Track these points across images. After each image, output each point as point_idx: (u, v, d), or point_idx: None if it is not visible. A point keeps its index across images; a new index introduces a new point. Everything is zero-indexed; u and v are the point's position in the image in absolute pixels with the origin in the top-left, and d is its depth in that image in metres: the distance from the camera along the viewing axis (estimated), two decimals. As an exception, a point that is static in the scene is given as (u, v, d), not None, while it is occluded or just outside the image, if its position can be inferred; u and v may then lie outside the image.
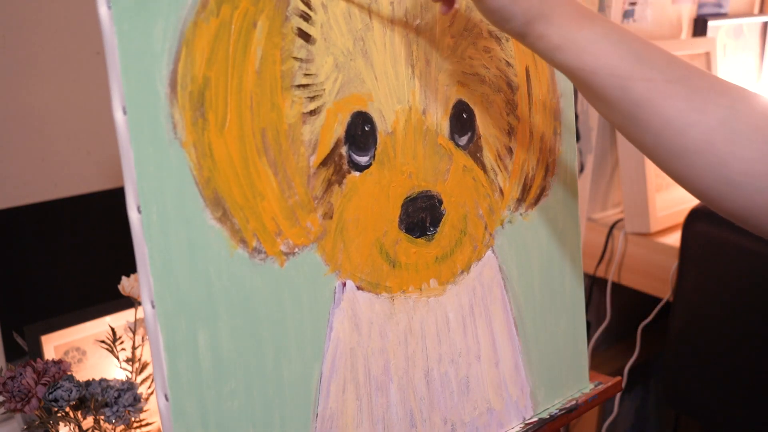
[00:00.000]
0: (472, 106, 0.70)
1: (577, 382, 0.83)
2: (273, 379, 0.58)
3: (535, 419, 0.77)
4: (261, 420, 0.57)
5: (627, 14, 1.46)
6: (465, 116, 0.70)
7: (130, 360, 0.85)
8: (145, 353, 0.85)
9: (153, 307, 0.51)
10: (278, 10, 0.56)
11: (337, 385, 0.62)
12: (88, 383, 0.77)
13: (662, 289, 1.42)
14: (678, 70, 0.56)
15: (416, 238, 0.67)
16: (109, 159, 1.09)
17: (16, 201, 1.01)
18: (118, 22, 0.49)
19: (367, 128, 0.63)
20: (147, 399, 0.80)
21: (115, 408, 0.76)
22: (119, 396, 0.77)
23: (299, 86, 0.58)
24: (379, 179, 0.64)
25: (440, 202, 0.68)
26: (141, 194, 0.50)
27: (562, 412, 0.79)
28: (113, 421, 0.76)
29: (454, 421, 0.71)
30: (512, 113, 0.74)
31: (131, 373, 0.84)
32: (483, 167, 0.72)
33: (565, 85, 0.79)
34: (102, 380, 0.78)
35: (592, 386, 0.84)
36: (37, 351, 0.89)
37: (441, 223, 0.68)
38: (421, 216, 0.67)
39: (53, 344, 0.91)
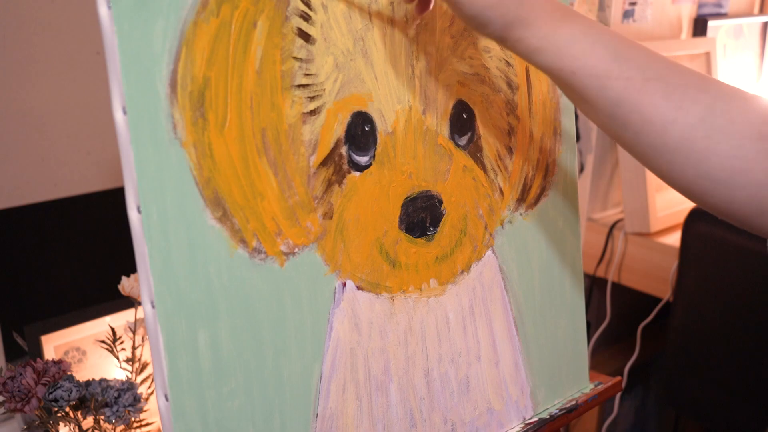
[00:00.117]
0: (472, 106, 0.70)
1: (577, 382, 0.83)
2: (273, 379, 0.58)
3: (535, 419, 0.77)
4: (261, 420, 0.57)
5: (627, 14, 1.46)
6: (465, 116, 0.70)
7: (130, 360, 0.85)
8: (145, 353, 0.85)
9: (153, 307, 0.51)
10: (278, 10, 0.56)
11: (337, 385, 0.62)
12: (88, 383, 0.77)
13: (662, 289, 1.43)
14: (657, 68, 0.56)
15: (416, 238, 0.67)
16: (109, 159, 1.09)
17: (16, 201, 1.01)
18: (118, 22, 0.49)
19: (367, 128, 0.63)
20: (147, 399, 0.80)
21: (115, 408, 0.76)
22: (119, 396, 0.77)
23: (299, 86, 0.58)
24: (379, 179, 0.64)
25: (440, 202, 0.68)
26: (141, 194, 0.50)
27: (562, 412, 0.79)
28: (113, 421, 0.76)
29: (454, 421, 0.71)
30: (512, 113, 0.74)
31: (131, 373, 0.84)
32: (483, 167, 0.72)
33: (565, 85, 0.79)
34: (102, 380, 0.78)
35: (592, 386, 0.84)
36: (37, 351, 0.89)
37: (441, 223, 0.68)
38: (421, 216, 0.67)
39: (53, 344, 0.91)
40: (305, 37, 0.58)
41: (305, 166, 0.59)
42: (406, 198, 0.66)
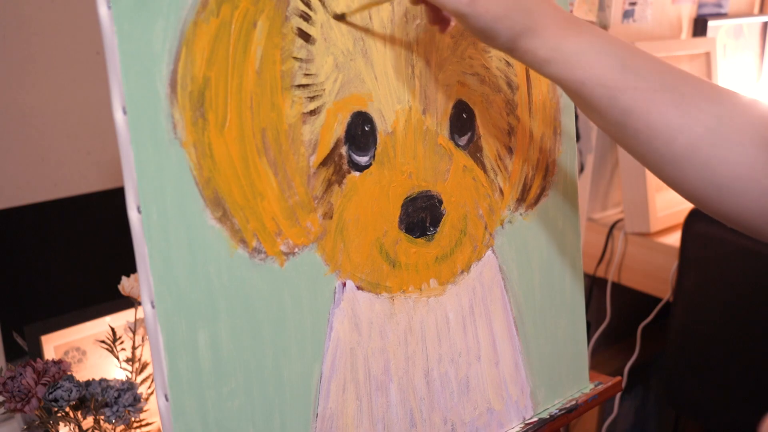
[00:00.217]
0: (472, 106, 0.70)
1: (577, 382, 0.83)
2: (273, 379, 0.58)
3: (535, 419, 0.77)
4: (261, 420, 0.57)
5: (627, 14, 1.46)
6: (465, 116, 0.70)
7: (130, 360, 0.85)
8: (145, 353, 0.85)
9: (153, 307, 0.51)
10: (278, 10, 0.56)
11: (337, 385, 0.62)
12: (88, 383, 0.77)
13: (662, 289, 1.42)
14: (666, 78, 0.56)
15: (416, 238, 0.67)
16: (109, 159, 1.09)
17: (16, 201, 1.01)
18: (118, 22, 0.49)
19: (367, 128, 0.63)
20: (147, 399, 0.80)
21: (115, 408, 0.76)
22: (119, 396, 0.77)
23: (299, 86, 0.58)
24: (379, 179, 0.64)
25: (440, 202, 0.68)
26: (141, 194, 0.50)
27: (562, 412, 0.79)
28: (113, 421, 0.76)
29: (454, 421, 0.71)
30: (512, 113, 0.74)
31: (131, 373, 0.84)
32: (483, 167, 0.72)
33: (565, 85, 0.79)
34: (102, 380, 0.78)
35: (592, 386, 0.84)
36: (37, 351, 0.89)
37: (441, 223, 0.68)
38: (421, 216, 0.67)
39: (53, 344, 0.91)
40: (305, 37, 0.58)
41: (305, 166, 0.59)
42: (406, 198, 0.66)
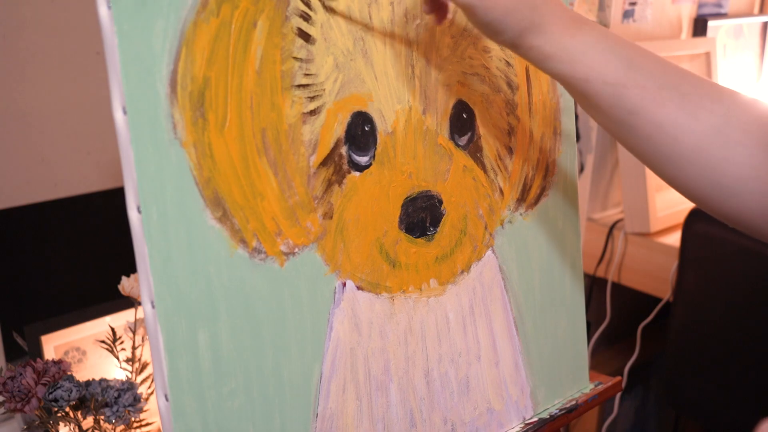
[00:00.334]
0: (472, 106, 0.70)
1: (577, 382, 0.83)
2: (273, 379, 0.58)
3: (535, 419, 0.77)
4: (261, 420, 0.57)
5: (627, 14, 1.46)
6: (465, 116, 0.70)
7: (130, 360, 0.85)
8: (145, 353, 0.85)
9: (153, 307, 0.51)
10: (278, 10, 0.56)
11: (337, 385, 0.62)
12: (88, 383, 0.77)
13: (662, 289, 1.42)
14: (670, 77, 0.56)
15: (416, 238, 0.67)
16: (109, 159, 1.09)
17: (16, 201, 1.01)
18: (118, 22, 0.49)
19: (367, 128, 0.63)
20: (147, 399, 0.80)
21: (115, 408, 0.76)
22: (119, 396, 0.77)
23: (299, 86, 0.58)
24: (379, 179, 0.64)
25: (440, 202, 0.68)
26: (141, 194, 0.50)
27: (562, 412, 0.79)
28: (113, 421, 0.76)
29: (454, 421, 0.71)
30: (512, 113, 0.74)
31: (131, 373, 0.84)
32: (483, 167, 0.72)
33: (565, 85, 0.79)
34: (102, 380, 0.78)
35: (592, 386, 0.84)
36: (37, 351, 0.89)
37: (441, 223, 0.68)
38: (421, 216, 0.67)
39: (53, 344, 0.91)
40: (305, 37, 0.58)
41: (305, 166, 0.59)
42: (406, 198, 0.66)
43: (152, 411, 0.82)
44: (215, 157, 0.54)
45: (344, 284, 0.62)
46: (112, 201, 1.05)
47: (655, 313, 1.47)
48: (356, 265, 0.63)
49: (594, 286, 1.56)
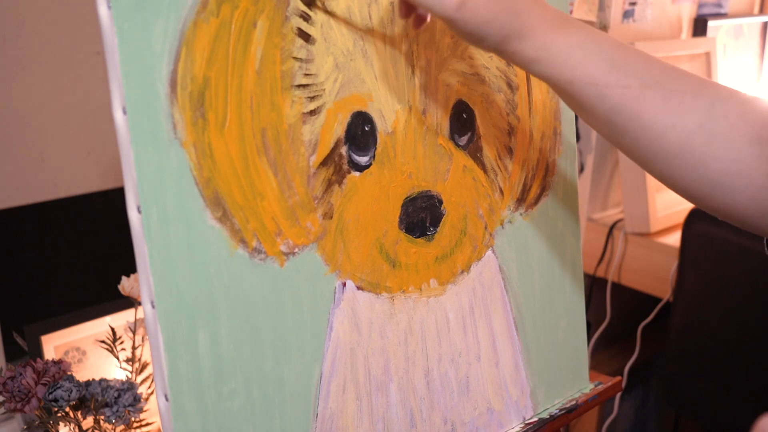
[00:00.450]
0: (472, 106, 0.70)
1: (577, 382, 0.83)
2: (273, 379, 0.58)
3: (535, 419, 0.77)
4: (261, 420, 0.57)
5: (627, 14, 1.46)
6: (465, 116, 0.70)
7: (130, 360, 0.85)
8: (145, 353, 0.85)
9: (153, 307, 0.51)
10: (278, 10, 0.56)
11: (337, 385, 0.62)
12: (88, 383, 0.77)
13: (662, 289, 1.42)
14: (654, 74, 0.56)
15: (416, 238, 0.67)
16: (109, 159, 1.09)
17: (16, 201, 1.01)
18: (118, 22, 0.49)
19: (367, 128, 0.63)
20: (147, 399, 0.80)
21: (115, 408, 0.76)
22: (119, 396, 0.77)
23: (299, 86, 0.58)
24: (379, 179, 0.64)
25: (440, 202, 0.68)
26: (141, 194, 0.50)
27: (562, 412, 0.79)
28: (113, 421, 0.76)
29: (454, 421, 0.71)
30: (512, 113, 0.74)
31: (131, 373, 0.84)
32: (483, 167, 0.72)
33: (565, 85, 0.79)
34: (102, 380, 0.78)
35: (592, 386, 0.84)
36: (37, 351, 0.89)
37: (441, 223, 0.68)
38: (421, 216, 0.67)
39: (53, 344, 0.91)
40: (305, 37, 0.58)
41: (305, 166, 0.59)
42: (406, 198, 0.66)
43: (152, 411, 0.82)
44: (215, 157, 0.54)
45: (344, 284, 0.62)
46: (112, 201, 1.05)
47: (655, 313, 1.47)
48: (356, 265, 0.63)
49: (594, 286, 1.56)
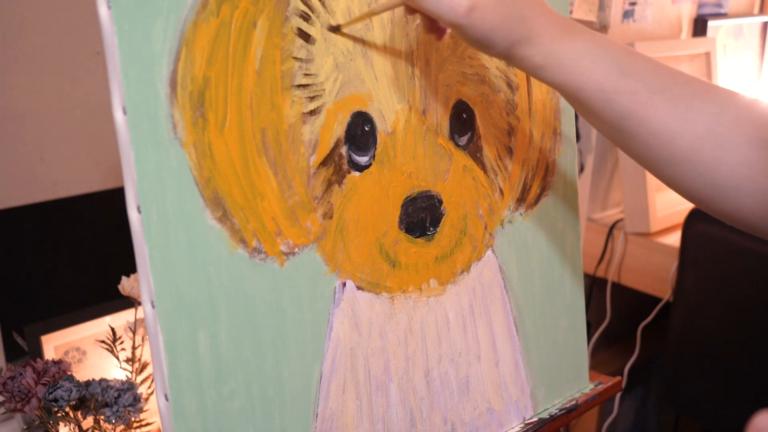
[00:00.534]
0: (472, 106, 0.70)
1: (577, 382, 0.83)
2: (273, 379, 0.58)
3: (535, 419, 0.77)
4: (261, 420, 0.57)
5: (627, 14, 1.46)
6: (465, 116, 0.70)
7: (130, 360, 0.85)
8: (145, 353, 0.85)
9: (153, 307, 0.51)
10: (278, 10, 0.56)
11: (337, 385, 0.62)
12: (88, 383, 0.77)
13: (662, 289, 1.42)
14: (662, 80, 0.56)
15: (416, 238, 0.67)
16: (109, 159, 1.09)
17: (16, 201, 1.01)
18: (118, 22, 0.49)
19: (367, 128, 0.63)
20: (147, 399, 0.80)
21: (115, 408, 0.76)
22: (119, 396, 0.77)
23: (299, 86, 0.58)
24: (379, 179, 0.64)
25: (440, 202, 0.68)
26: (141, 194, 0.50)
27: (562, 412, 0.79)
28: (113, 421, 0.76)
29: (454, 421, 0.71)
30: (512, 113, 0.74)
31: (131, 373, 0.84)
32: (483, 167, 0.72)
33: (565, 85, 0.79)
34: (102, 380, 0.78)
35: (592, 386, 0.84)
36: (37, 351, 0.89)
37: (441, 223, 0.68)
38: (421, 216, 0.67)
39: (53, 344, 0.91)
40: (305, 37, 0.58)
41: (305, 166, 0.59)
42: (406, 198, 0.66)
43: (152, 411, 0.82)
44: (215, 157, 0.54)
45: (344, 284, 0.62)
46: (112, 201, 1.05)
47: (655, 313, 1.47)
48: (356, 265, 0.63)
49: (594, 286, 1.56)
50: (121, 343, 0.85)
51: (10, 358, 0.98)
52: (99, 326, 0.92)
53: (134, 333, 0.85)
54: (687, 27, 1.60)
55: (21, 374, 0.75)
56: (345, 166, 0.62)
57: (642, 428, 1.77)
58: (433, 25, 0.62)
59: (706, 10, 1.62)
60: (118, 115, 0.50)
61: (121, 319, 0.92)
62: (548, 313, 0.79)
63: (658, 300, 1.46)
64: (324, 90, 0.60)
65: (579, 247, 0.82)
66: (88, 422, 0.78)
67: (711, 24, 1.57)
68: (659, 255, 1.43)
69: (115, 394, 0.77)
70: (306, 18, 0.58)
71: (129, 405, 0.77)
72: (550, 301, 0.79)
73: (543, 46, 0.56)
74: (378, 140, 0.64)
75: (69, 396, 0.74)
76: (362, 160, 0.63)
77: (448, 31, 0.63)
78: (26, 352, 0.89)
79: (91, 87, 1.05)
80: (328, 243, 0.61)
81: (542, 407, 0.79)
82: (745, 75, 1.71)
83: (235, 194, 0.55)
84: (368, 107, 0.63)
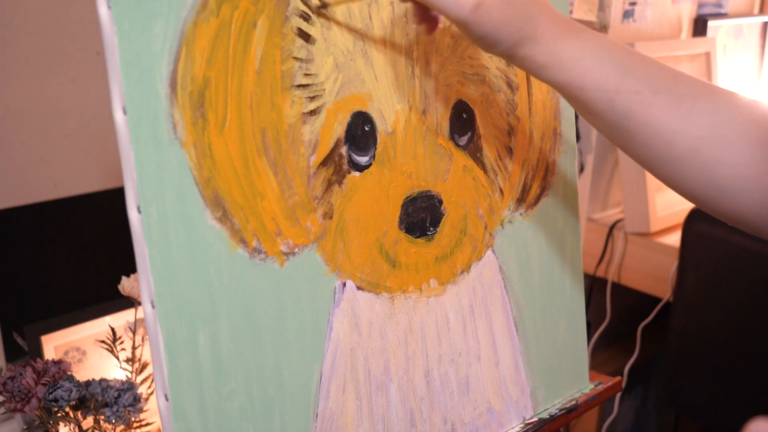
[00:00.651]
0: (472, 106, 0.70)
1: (577, 382, 0.83)
2: (273, 379, 0.58)
3: (535, 419, 0.77)
4: (261, 420, 0.57)
5: (627, 14, 1.46)
6: (465, 116, 0.70)
7: (130, 360, 0.85)
8: (145, 353, 0.85)
9: (153, 307, 0.51)
10: (278, 10, 0.56)
11: (337, 385, 0.62)
12: (88, 383, 0.77)
13: (662, 289, 1.42)
14: (664, 80, 0.56)
15: (416, 238, 0.67)
16: (109, 159, 1.09)
17: (16, 201, 1.01)
18: (118, 22, 0.49)
19: (367, 128, 0.63)
20: (147, 399, 0.80)
21: (115, 408, 0.76)
22: (119, 396, 0.77)
23: (299, 86, 0.58)
24: (379, 179, 0.64)
25: (440, 202, 0.68)
26: (141, 194, 0.50)
27: (562, 412, 0.79)
28: (113, 421, 0.76)
29: (454, 421, 0.71)
30: (512, 113, 0.74)
31: (131, 373, 0.84)
32: (483, 167, 0.72)
33: (565, 85, 0.79)
34: (102, 380, 0.78)
35: (592, 386, 0.84)
36: (37, 351, 0.89)
37: (441, 223, 0.68)
38: (421, 216, 0.67)
39: (53, 344, 0.91)
40: (305, 37, 0.58)
41: (305, 166, 0.59)
42: (406, 198, 0.66)
43: (152, 411, 0.82)
44: (215, 157, 0.54)
45: (344, 284, 0.62)
46: (112, 201, 1.05)
47: (655, 313, 1.47)
48: (356, 265, 0.63)
49: (594, 286, 1.56)
50: (121, 343, 0.85)
51: (10, 358, 0.98)
52: (99, 326, 0.92)
53: (134, 333, 0.85)
54: (687, 27, 1.60)
55: (21, 374, 0.75)
56: (345, 166, 0.62)
57: (642, 428, 1.77)
58: (424, 16, 0.61)
59: (706, 10, 1.62)
60: (118, 115, 0.50)
61: (121, 319, 0.92)
62: (548, 313, 0.79)
63: (658, 300, 1.46)
64: (324, 90, 0.60)
65: (579, 247, 0.82)
66: (88, 422, 0.78)
67: (711, 24, 1.57)
68: (659, 255, 1.43)
69: (115, 394, 0.77)
70: (306, 18, 0.58)
71: (129, 405, 0.77)
72: (550, 301, 0.79)
73: (546, 45, 0.56)
74: (378, 140, 0.64)
75: (69, 396, 0.74)
76: (362, 160, 0.63)
77: (440, 25, 0.63)
78: (26, 352, 0.89)
79: (91, 87, 1.05)
80: (328, 243, 0.61)
81: (542, 407, 0.79)
82: (745, 75, 1.71)
83: (235, 194, 0.55)
84: (368, 107, 0.63)
